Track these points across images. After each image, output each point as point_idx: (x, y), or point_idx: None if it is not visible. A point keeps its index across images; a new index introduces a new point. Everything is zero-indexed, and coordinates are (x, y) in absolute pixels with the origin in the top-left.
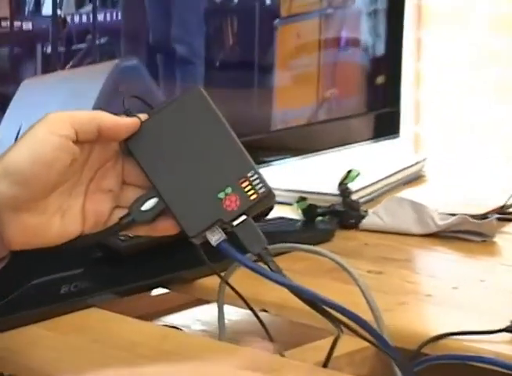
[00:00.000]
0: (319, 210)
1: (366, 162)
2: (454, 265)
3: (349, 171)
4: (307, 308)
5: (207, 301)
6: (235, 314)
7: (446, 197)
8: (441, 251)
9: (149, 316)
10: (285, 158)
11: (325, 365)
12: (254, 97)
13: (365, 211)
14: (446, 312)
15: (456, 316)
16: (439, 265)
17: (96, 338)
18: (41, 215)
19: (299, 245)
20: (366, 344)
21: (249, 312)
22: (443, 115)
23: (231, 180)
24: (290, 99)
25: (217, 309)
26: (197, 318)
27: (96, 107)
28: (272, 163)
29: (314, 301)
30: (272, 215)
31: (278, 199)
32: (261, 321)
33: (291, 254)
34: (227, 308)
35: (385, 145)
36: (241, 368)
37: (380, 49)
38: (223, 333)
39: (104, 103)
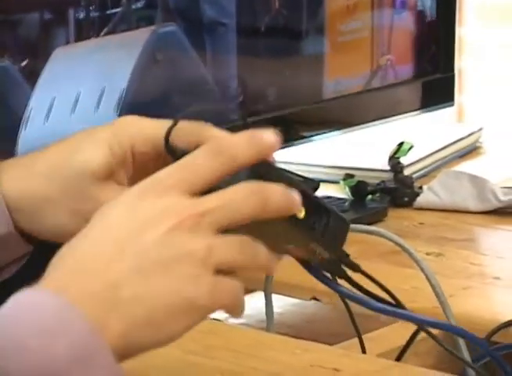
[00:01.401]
0: (368, 188)
1: (417, 134)
2: None
3: (400, 144)
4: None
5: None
6: (277, 304)
7: (507, 169)
8: (506, 229)
9: None
10: (330, 132)
11: (398, 358)
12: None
13: (420, 188)
14: None
15: None
16: (505, 244)
17: None
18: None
19: (355, 225)
20: None
21: (294, 301)
22: (488, 84)
23: None
24: (341, 68)
25: (259, 299)
26: None
27: (132, 78)
28: (315, 137)
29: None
30: (317, 194)
31: (323, 177)
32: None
33: None
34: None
35: (431, 117)
36: None
37: (433, 13)
38: (271, 324)
39: (141, 73)
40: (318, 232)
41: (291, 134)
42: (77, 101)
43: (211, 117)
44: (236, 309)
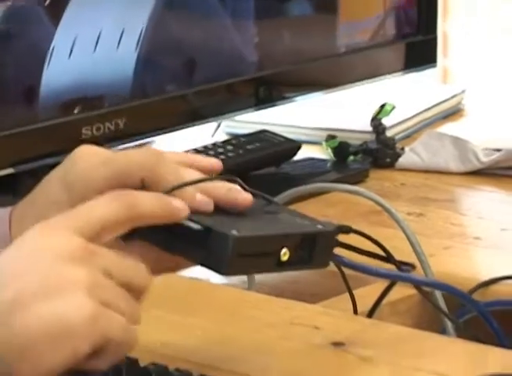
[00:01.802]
0: (350, 148)
1: (399, 96)
2: (502, 206)
3: (383, 105)
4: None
5: None
6: None
7: (489, 131)
8: (487, 190)
9: None
10: (312, 93)
11: (370, 315)
12: None
13: (402, 149)
14: (496, 256)
15: (506, 259)
16: (485, 205)
17: None
18: None
19: (337, 185)
20: (410, 292)
21: None
22: (473, 48)
23: None
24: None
25: None
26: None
27: (151, 17)
28: (297, 98)
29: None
30: (299, 155)
31: (305, 138)
32: None
33: (325, 196)
34: None
35: (414, 79)
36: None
37: None
38: (253, 283)
39: (159, 13)
40: (306, 260)
41: (273, 95)
42: (98, 40)
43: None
44: (121, 346)
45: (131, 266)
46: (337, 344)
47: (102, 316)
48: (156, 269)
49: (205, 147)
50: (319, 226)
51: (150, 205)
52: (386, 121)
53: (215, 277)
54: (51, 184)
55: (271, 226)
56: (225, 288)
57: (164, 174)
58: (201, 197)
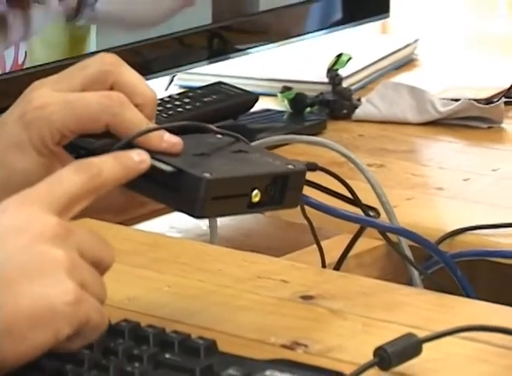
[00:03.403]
0: (307, 100)
1: (351, 47)
2: (462, 155)
3: (339, 56)
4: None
5: None
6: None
7: (445, 81)
8: (446, 140)
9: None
10: (266, 44)
11: (337, 267)
12: None
13: (358, 100)
14: (460, 206)
15: (470, 209)
16: (445, 155)
17: None
18: None
19: (301, 137)
20: (375, 244)
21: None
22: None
23: None
24: None
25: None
26: (172, 225)
27: None
28: (251, 50)
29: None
30: (256, 107)
31: (261, 90)
32: None
33: (284, 148)
34: None
35: (359, 30)
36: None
37: None
38: (215, 237)
39: None
40: (276, 201)
41: (227, 47)
42: None
43: None
44: (96, 328)
45: (100, 244)
46: (306, 297)
47: (83, 300)
48: (121, 211)
49: (161, 100)
50: (290, 166)
51: (112, 170)
52: (342, 72)
53: (171, 231)
54: (8, 125)
55: (242, 167)
56: (187, 242)
57: (129, 118)
58: (169, 138)
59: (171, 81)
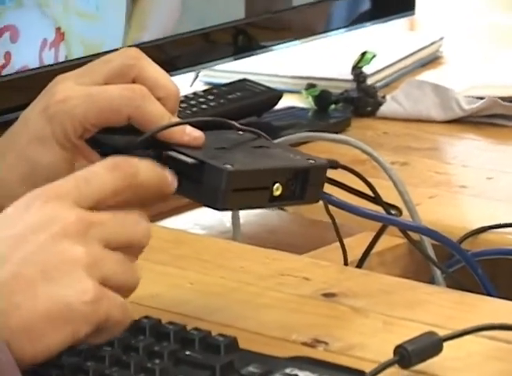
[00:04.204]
0: (331, 97)
1: (378, 44)
2: (486, 154)
3: (364, 53)
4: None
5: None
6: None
7: (470, 78)
8: (471, 138)
9: None
10: (290, 41)
11: (359, 265)
12: None
13: (383, 97)
14: (483, 205)
15: (493, 207)
16: (470, 153)
17: None
18: None
19: (325, 134)
20: (398, 242)
21: (255, 211)
22: None
23: None
24: None
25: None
26: (196, 222)
27: None
28: (275, 47)
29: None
30: (280, 104)
31: (285, 87)
32: None
33: (307, 145)
34: None
35: (388, 27)
36: None
37: None
38: (238, 233)
39: None
40: (297, 195)
41: (252, 44)
42: None
43: None
44: (118, 324)
45: (131, 223)
46: (328, 295)
47: (103, 298)
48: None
49: (186, 97)
50: (311, 161)
51: (148, 176)
52: (367, 69)
53: (195, 228)
54: (31, 120)
55: (263, 161)
56: (210, 239)
57: (151, 110)
58: (191, 131)
59: (196, 77)
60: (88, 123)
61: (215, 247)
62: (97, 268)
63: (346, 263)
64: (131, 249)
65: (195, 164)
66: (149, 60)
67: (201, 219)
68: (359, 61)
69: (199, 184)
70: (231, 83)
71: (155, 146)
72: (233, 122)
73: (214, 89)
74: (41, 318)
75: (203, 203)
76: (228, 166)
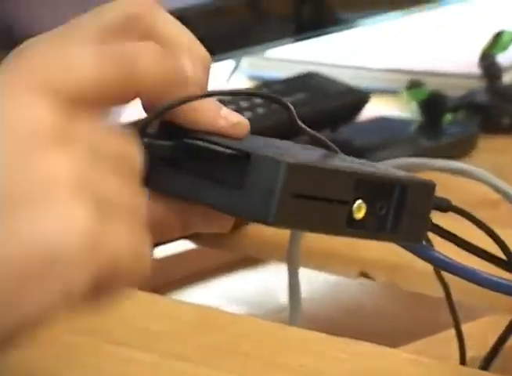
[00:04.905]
0: (447, 102)
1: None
2: None
3: (498, 34)
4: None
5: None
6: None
7: None
8: None
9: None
10: (381, 14)
11: (484, 366)
12: None
13: None
14: None
15: None
16: None
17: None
18: None
19: (432, 160)
20: None
21: (329, 278)
22: None
23: None
24: None
25: (277, 275)
26: (231, 294)
27: None
28: (358, 23)
29: None
30: (365, 112)
31: (376, 85)
32: None
33: None
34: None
35: None
36: None
37: None
38: (298, 312)
39: None
40: (389, 225)
41: (323, 17)
42: None
43: None
44: (131, 272)
45: (118, 137)
46: None
47: (100, 232)
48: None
49: (220, 101)
50: (409, 176)
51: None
52: (502, 59)
53: (230, 304)
54: None
55: (336, 163)
56: (254, 321)
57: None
58: (228, 114)
59: (236, 67)
60: None
61: (262, 333)
62: (89, 186)
63: (463, 361)
64: (123, 166)
65: (234, 155)
66: (163, 11)
67: (239, 290)
68: (491, 46)
69: (238, 187)
70: (291, 78)
71: (171, 133)
72: (294, 113)
73: (265, 87)
74: (13, 271)
75: (243, 216)
76: (289, 158)
